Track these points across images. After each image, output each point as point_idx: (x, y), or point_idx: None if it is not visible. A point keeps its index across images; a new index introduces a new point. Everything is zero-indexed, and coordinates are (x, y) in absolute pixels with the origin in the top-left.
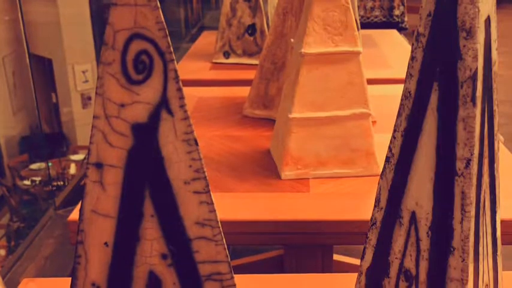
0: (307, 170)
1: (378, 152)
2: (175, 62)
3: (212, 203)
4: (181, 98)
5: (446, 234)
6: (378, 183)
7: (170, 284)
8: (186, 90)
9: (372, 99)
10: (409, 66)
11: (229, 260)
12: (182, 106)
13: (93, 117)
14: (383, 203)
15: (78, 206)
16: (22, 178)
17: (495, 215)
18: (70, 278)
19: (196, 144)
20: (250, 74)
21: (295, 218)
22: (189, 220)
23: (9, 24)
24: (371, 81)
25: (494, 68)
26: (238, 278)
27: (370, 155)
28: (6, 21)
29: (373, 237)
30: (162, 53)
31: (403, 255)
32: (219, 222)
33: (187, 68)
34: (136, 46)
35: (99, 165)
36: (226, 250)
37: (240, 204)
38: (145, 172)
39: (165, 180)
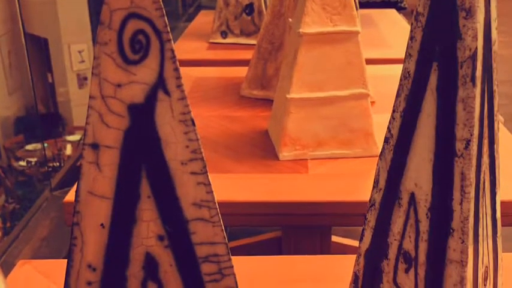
0: (305, 151)
1: (376, 132)
2: (172, 41)
3: (209, 184)
4: (178, 78)
5: (446, 215)
6: (377, 164)
7: (167, 265)
8: (183, 70)
9: (370, 80)
10: (408, 46)
11: (226, 241)
12: (179, 86)
13: (89, 97)
14: (382, 184)
15: (74, 187)
16: (17, 159)
17: (495, 196)
18: (66, 260)
19: (194, 124)
20: (248, 54)
21: (293, 199)
22: (186, 201)
23: (5, 4)
24: (370, 61)
25: (494, 48)
26: (236, 260)
27: (369, 136)
28: (2, 0)
29: (371, 218)
30: (159, 32)
31: (402, 236)
32: (217, 203)
33: (184, 47)
34: (133, 26)
35: (95, 146)
36: (224, 232)
37: (237, 185)
38: (142, 153)
39: (161, 161)
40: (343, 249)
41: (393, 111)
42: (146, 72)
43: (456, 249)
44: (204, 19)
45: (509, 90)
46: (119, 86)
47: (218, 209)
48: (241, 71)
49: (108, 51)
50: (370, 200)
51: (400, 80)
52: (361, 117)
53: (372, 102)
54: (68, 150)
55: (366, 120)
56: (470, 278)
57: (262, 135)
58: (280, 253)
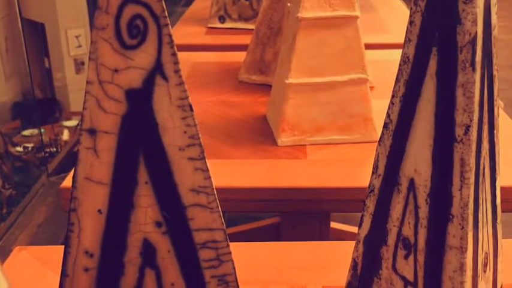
0: (304, 137)
1: (375, 118)
2: (170, 26)
3: (207, 170)
4: (176, 63)
5: (446, 201)
6: (376, 150)
7: (165, 251)
8: (181, 55)
9: (370, 65)
10: (408, 31)
11: (224, 227)
12: (177, 71)
13: (87, 82)
14: (381, 169)
15: (71, 173)
16: (14, 145)
17: (495, 182)
18: (63, 246)
19: (191, 110)
20: (246, 39)
21: (292, 185)
22: (184, 187)
23: None
24: (369, 46)
25: (494, 33)
26: (234, 246)
27: (368, 121)
28: None
29: (371, 204)
30: (157, 17)
31: (402, 222)
32: (215, 190)
33: (182, 33)
34: (130, 10)
35: (92, 132)
36: (222, 217)
37: (235, 171)
38: (140, 138)
39: (159, 147)
40: (342, 236)
41: (392, 96)
42: (144, 57)
43: (456, 235)
44: (201, 4)
45: (509, 75)
46: (116, 71)
47: (216, 195)
48: (240, 56)
49: (106, 36)
50: (369, 186)
51: (400, 65)
52: (361, 102)
53: (371, 88)
54: (65, 135)
55: (365, 105)
56: (470, 265)
57: (260, 121)
58: (278, 239)
